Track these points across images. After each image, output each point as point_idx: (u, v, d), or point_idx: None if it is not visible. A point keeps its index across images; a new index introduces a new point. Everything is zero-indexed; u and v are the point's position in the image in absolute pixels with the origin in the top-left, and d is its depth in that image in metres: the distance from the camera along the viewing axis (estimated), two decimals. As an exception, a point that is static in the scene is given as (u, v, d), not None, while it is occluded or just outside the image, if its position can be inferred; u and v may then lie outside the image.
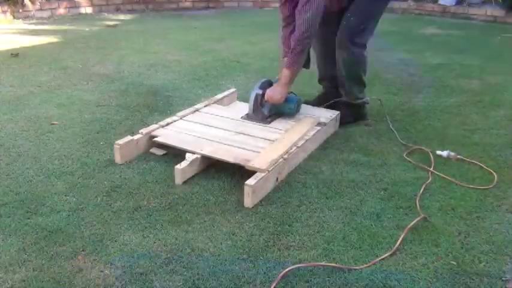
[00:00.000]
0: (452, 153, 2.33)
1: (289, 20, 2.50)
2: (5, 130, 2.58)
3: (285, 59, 2.48)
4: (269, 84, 2.56)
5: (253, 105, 2.54)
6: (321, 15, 2.31)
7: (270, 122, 2.52)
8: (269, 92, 2.48)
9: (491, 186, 2.08)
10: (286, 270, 1.50)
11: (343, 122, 2.72)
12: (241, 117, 2.58)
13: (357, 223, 1.80)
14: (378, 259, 1.58)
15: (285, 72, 2.42)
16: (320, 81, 2.99)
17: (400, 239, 1.68)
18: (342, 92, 2.76)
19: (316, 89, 3.10)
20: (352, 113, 2.76)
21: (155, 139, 2.32)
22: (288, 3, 2.49)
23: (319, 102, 2.86)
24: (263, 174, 1.94)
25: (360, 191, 2.03)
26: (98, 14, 6.67)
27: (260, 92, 2.52)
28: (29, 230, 1.72)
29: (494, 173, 2.17)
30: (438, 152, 2.35)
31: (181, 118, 2.55)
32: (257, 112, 2.54)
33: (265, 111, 2.53)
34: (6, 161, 2.23)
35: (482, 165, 2.25)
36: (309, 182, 2.10)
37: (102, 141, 2.48)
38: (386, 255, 1.60)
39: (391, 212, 1.88)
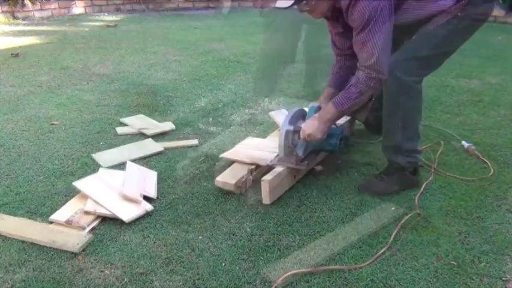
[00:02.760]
0: (473, 147, 2.44)
1: (341, 53, 2.11)
2: (5, 130, 2.58)
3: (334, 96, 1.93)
4: (302, 116, 2.00)
5: (285, 147, 1.92)
6: (391, 43, 1.79)
7: (307, 165, 2.02)
8: (306, 129, 1.88)
9: (489, 175, 2.14)
10: (286, 275, 1.48)
11: (373, 190, 1.99)
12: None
13: (357, 223, 1.80)
14: (377, 254, 1.59)
15: (330, 109, 1.87)
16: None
17: (393, 235, 1.68)
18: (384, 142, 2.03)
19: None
20: (399, 178, 1.99)
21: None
22: (338, 37, 2.05)
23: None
24: (280, 171, 1.91)
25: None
26: (97, 14, 6.67)
27: (292, 128, 1.93)
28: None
29: (491, 167, 2.21)
30: (463, 142, 2.48)
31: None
32: (290, 155, 1.96)
33: (300, 151, 1.93)
34: (6, 161, 2.23)
35: (486, 161, 2.28)
36: (309, 182, 2.10)
37: (102, 141, 2.48)
38: (386, 254, 1.60)
39: (391, 212, 1.88)
